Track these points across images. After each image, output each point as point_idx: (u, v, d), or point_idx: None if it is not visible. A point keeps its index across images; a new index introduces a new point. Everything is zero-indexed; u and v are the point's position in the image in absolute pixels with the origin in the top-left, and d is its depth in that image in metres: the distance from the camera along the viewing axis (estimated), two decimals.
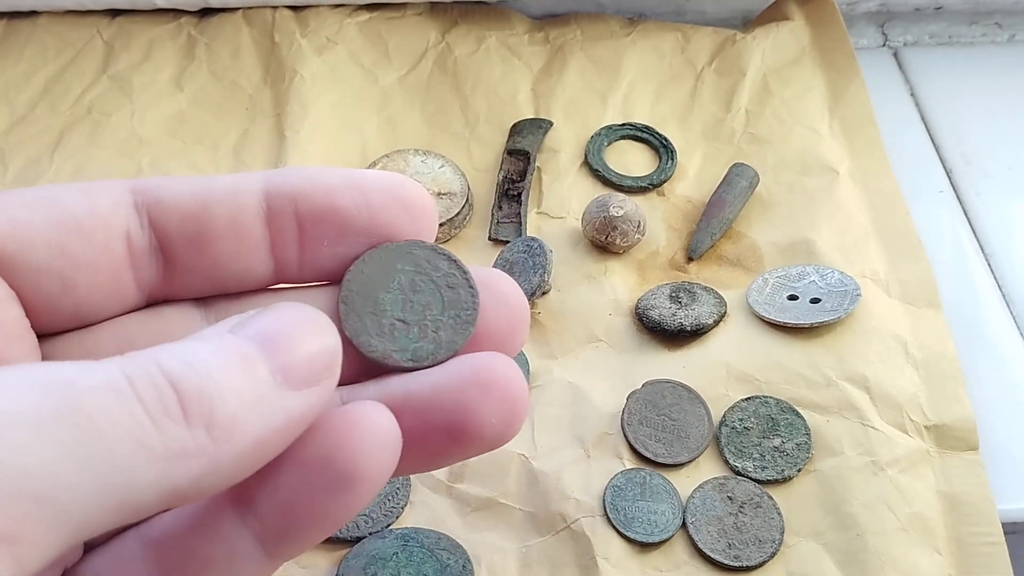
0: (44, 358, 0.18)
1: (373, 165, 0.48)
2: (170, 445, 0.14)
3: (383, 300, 0.19)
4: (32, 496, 0.13)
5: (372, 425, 0.17)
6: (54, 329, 0.18)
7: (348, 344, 0.19)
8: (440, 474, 0.39)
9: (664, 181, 0.49)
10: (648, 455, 0.38)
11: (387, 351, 0.19)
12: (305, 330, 0.17)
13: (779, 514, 0.37)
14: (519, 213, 0.47)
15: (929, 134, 0.53)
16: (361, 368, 0.19)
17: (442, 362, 0.19)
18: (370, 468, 0.17)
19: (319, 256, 0.19)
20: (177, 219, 0.19)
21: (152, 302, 0.19)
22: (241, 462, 0.15)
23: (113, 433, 0.14)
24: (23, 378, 0.14)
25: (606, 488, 0.37)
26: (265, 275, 0.19)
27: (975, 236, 0.48)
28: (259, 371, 0.16)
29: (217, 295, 0.20)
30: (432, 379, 0.18)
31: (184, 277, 0.19)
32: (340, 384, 0.18)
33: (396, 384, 0.18)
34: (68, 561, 0.18)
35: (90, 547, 0.18)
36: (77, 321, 0.19)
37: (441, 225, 0.46)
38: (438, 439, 0.18)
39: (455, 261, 0.20)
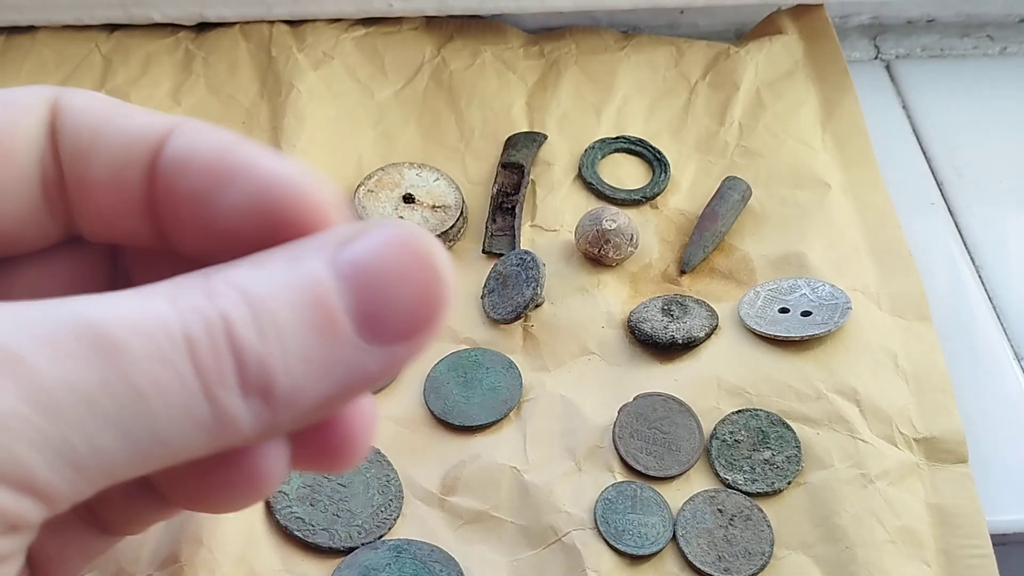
0: None
1: (368, 178, 0.48)
2: (221, 416, 0.14)
3: None
4: (70, 464, 0.13)
5: None
6: None
7: None
8: (432, 487, 0.39)
9: (657, 194, 0.49)
10: (639, 468, 0.39)
11: None
12: (410, 269, 0.14)
13: (769, 527, 0.37)
14: (513, 226, 0.48)
15: (921, 147, 0.53)
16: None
17: None
18: None
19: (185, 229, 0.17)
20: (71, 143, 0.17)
21: (72, 239, 0.18)
22: (300, 422, 0.15)
23: (162, 406, 0.13)
24: (64, 332, 0.13)
25: (597, 501, 0.38)
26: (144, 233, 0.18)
27: (966, 249, 0.48)
28: (339, 325, 0.14)
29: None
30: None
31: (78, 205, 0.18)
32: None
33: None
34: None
35: None
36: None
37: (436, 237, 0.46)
38: None
39: None
